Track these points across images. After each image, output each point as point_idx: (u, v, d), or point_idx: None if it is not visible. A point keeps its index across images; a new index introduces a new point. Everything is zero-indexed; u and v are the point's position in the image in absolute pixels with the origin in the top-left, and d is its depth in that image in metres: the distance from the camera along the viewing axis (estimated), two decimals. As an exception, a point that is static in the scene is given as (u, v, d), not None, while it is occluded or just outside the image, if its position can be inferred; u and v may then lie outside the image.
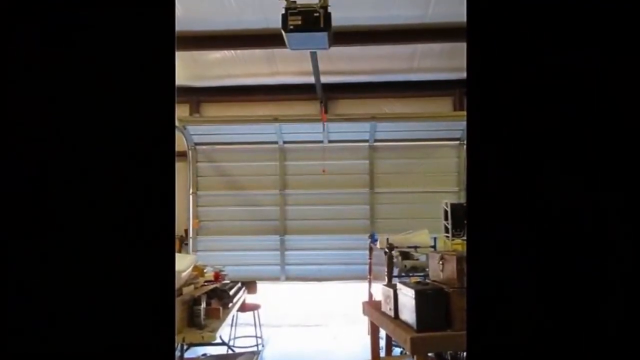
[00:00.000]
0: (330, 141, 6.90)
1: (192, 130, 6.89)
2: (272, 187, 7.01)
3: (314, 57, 5.05)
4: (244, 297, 5.06)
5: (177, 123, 6.44)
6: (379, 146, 7.01)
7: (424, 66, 6.15)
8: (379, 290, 3.50)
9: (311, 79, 5.94)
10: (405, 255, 4.88)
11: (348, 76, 6.54)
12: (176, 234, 6.64)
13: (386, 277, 4.45)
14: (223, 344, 4.99)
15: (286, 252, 7.01)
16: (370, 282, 5.63)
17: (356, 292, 6.28)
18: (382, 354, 3.85)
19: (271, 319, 6.56)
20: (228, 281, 4.84)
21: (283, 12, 3.45)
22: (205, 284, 4.35)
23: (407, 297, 2.87)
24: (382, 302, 3.31)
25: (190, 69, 6.14)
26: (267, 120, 6.72)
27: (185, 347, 4.31)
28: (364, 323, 5.28)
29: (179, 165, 6.64)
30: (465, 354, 3.41)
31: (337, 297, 7.27)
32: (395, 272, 4.65)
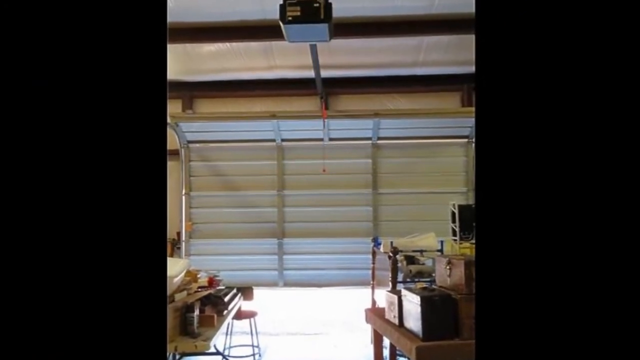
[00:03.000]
0: (331, 139, 6.89)
1: (184, 128, 6.89)
2: (270, 187, 7.00)
3: (313, 50, 5.05)
4: (239, 303, 5.06)
5: (168, 120, 6.44)
6: (383, 144, 7.01)
7: (430, 60, 6.15)
8: (383, 297, 3.50)
9: (311, 73, 5.93)
10: (411, 260, 4.88)
11: (350, 70, 6.54)
12: (168, 237, 6.65)
13: (390, 283, 4.45)
14: (217, 353, 4.98)
15: (284, 256, 7.01)
16: (373, 288, 5.64)
17: (358, 299, 6.29)
18: (386, 364, 3.85)
19: (268, 327, 6.56)
20: (223, 287, 4.84)
21: (281, 2, 3.45)
22: (199, 290, 4.34)
23: (412, 303, 2.87)
24: (386, 309, 3.31)
25: (182, 62, 6.14)
26: (264, 117, 6.71)
27: (177, 356, 4.31)
28: (366, 331, 5.28)
29: (170, 165, 6.64)
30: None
31: (338, 303, 7.27)
32: (400, 277, 4.65)
